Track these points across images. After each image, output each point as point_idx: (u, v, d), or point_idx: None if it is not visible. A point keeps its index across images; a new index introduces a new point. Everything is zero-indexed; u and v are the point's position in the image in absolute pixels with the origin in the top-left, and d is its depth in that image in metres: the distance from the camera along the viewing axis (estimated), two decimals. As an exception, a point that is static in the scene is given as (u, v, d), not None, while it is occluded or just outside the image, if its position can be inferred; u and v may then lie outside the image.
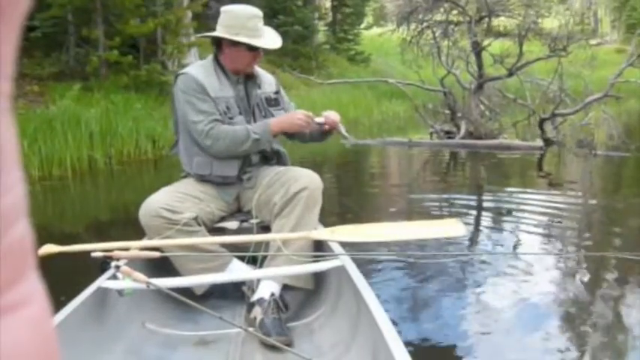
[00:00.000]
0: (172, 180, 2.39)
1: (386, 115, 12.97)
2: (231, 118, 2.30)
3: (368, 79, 12.24)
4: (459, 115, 8.78)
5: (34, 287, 0.20)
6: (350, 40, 18.34)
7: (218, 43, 2.35)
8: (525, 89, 9.40)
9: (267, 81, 2.51)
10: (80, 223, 4.87)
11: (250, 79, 2.42)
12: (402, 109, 13.40)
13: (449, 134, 8.78)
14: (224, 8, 2.33)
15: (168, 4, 9.76)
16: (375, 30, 24.59)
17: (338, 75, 14.08)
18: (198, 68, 2.36)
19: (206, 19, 12.28)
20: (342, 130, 2.45)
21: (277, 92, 2.52)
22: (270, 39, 2.35)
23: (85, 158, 6.90)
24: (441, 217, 4.27)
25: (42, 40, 8.62)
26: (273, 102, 2.46)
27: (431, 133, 8.97)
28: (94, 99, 8.09)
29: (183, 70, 2.37)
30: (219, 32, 2.30)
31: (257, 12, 2.31)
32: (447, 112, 9.25)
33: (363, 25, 20.44)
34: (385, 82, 9.66)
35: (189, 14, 10.43)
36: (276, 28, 2.78)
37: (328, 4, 18.44)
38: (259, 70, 2.50)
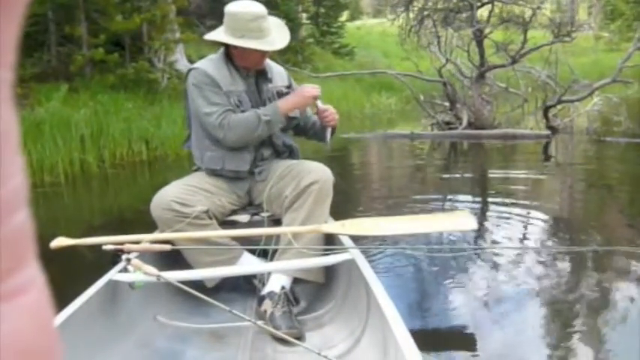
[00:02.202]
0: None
1: (377, 109, 12.76)
2: (243, 112, 2.29)
3: (365, 71, 11.94)
4: (458, 105, 8.60)
5: (34, 275, 0.20)
6: (333, 33, 18.13)
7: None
8: (518, 78, 9.31)
9: (279, 75, 2.49)
10: (76, 232, 4.58)
11: (261, 73, 2.41)
12: (393, 102, 13.22)
13: (449, 125, 8.60)
14: (227, 9, 2.29)
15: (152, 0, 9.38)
16: (354, 23, 24.44)
17: (324, 69, 13.82)
18: (210, 63, 2.35)
19: (187, 14, 11.92)
20: (329, 132, 2.44)
21: (289, 86, 2.50)
22: (278, 35, 2.32)
23: (77, 162, 6.56)
24: (448, 209, 4.28)
25: (22, 39, 8.15)
26: (285, 96, 2.42)
27: (432, 125, 8.78)
28: (81, 100, 7.72)
29: (195, 65, 2.37)
30: (224, 35, 2.28)
31: (260, 12, 2.26)
32: (446, 103, 9.06)
33: (344, 18, 20.25)
34: (384, 73, 9.43)
35: (174, 9, 10.07)
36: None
37: (310, -3, 18.15)
38: (271, 64, 2.49)
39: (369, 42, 21.06)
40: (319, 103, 2.36)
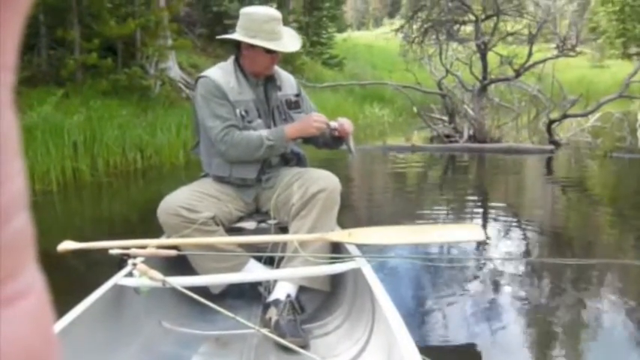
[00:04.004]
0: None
1: (370, 120, 12.66)
2: (249, 122, 2.30)
3: (364, 82, 11.85)
4: (458, 119, 8.52)
5: (33, 279, 0.20)
6: (323, 43, 18.09)
7: (238, 45, 2.34)
8: (512, 92, 9.33)
9: (288, 83, 2.50)
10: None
11: (271, 81, 2.41)
12: (386, 114, 13.14)
13: (448, 138, 8.51)
14: (243, 10, 2.32)
15: (146, 5, 9.15)
16: (341, 35, 24.45)
17: (314, 79, 13.72)
18: (219, 71, 2.36)
19: (177, 21, 11.72)
20: (351, 143, 2.40)
21: (298, 95, 2.51)
22: (289, 41, 2.32)
23: (70, 170, 6.29)
24: (450, 221, 4.30)
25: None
26: (294, 104, 2.45)
27: (431, 138, 8.69)
28: (73, 105, 7.45)
29: (204, 73, 2.37)
30: (238, 34, 2.29)
31: (275, 15, 2.28)
32: (445, 117, 8.99)
33: (333, 29, 20.24)
34: (384, 84, 9.31)
35: (167, 15, 9.85)
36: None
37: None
38: (280, 72, 2.49)
39: (355, 53, 21.12)
40: (331, 124, 2.36)
